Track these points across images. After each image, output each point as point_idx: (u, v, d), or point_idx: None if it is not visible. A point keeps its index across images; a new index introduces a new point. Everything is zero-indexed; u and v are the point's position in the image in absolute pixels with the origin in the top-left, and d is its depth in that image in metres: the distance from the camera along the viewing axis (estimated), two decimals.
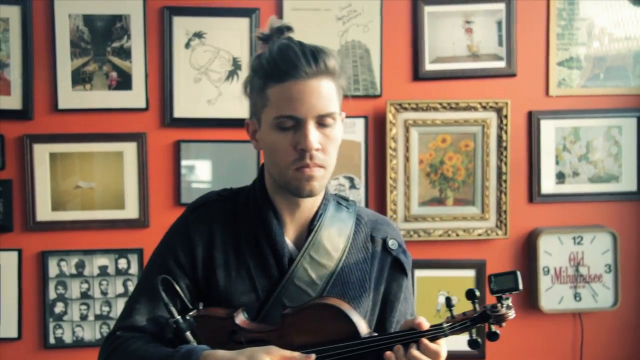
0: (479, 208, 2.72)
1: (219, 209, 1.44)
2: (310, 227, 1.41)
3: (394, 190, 2.68)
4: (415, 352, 1.23)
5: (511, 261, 2.75)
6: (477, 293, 1.25)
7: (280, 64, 1.29)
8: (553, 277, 2.72)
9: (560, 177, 2.75)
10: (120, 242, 2.65)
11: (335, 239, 1.41)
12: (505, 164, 2.70)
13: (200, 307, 1.35)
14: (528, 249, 2.75)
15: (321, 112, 1.30)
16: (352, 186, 2.69)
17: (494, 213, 2.72)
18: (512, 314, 1.25)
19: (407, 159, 2.69)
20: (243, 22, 2.66)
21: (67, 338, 2.63)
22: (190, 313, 1.33)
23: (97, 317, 2.64)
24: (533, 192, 2.74)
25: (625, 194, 2.77)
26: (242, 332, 1.30)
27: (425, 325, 1.25)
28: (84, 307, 2.63)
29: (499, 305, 1.24)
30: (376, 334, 1.29)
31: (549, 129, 2.74)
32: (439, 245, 2.73)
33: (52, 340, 2.62)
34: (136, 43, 2.63)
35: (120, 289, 2.64)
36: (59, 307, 2.63)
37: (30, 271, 2.63)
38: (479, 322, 1.25)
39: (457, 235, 2.71)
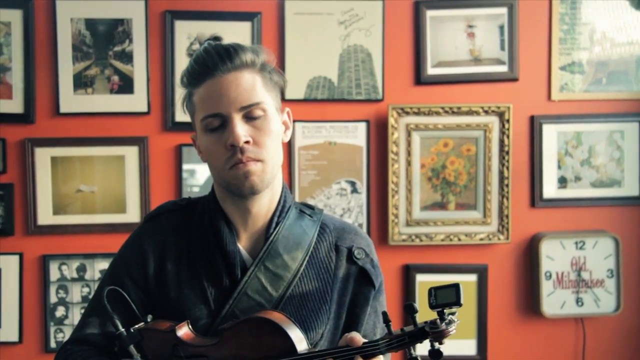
0: (480, 212, 2.71)
1: (173, 220, 1.41)
2: (266, 236, 1.36)
3: (395, 195, 2.68)
4: None
5: (513, 266, 2.75)
6: (416, 307, 1.17)
7: (197, 67, 1.30)
8: (555, 282, 2.72)
9: (563, 181, 2.75)
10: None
11: (294, 248, 1.36)
12: (507, 168, 2.69)
13: (149, 319, 1.31)
14: (530, 253, 2.75)
15: (244, 103, 1.28)
16: (354, 190, 2.69)
17: (496, 218, 2.71)
18: (453, 330, 1.15)
19: (409, 163, 2.69)
20: (245, 26, 2.65)
21: None
22: (135, 326, 1.28)
23: None
24: (535, 196, 2.74)
25: (627, 199, 2.76)
26: (183, 346, 1.27)
27: (359, 341, 1.18)
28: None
29: (438, 320, 1.15)
30: (315, 350, 1.24)
31: (551, 134, 2.73)
32: (441, 250, 2.73)
33: (53, 344, 2.62)
34: (138, 47, 2.63)
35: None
36: (60, 311, 2.63)
37: (31, 275, 2.63)
38: (418, 340, 1.16)
39: (459, 239, 2.70)
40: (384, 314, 1.22)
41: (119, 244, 2.60)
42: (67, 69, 2.61)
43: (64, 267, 2.63)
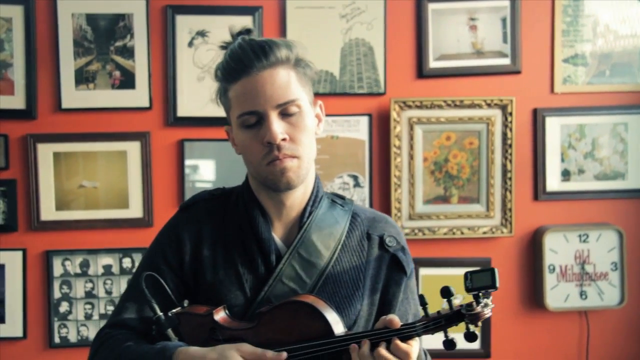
0: (483, 206, 2.71)
1: (209, 208, 1.44)
2: (300, 224, 1.40)
3: (398, 189, 2.67)
4: (382, 351, 1.20)
5: (516, 259, 2.74)
6: (453, 290, 1.22)
7: (232, 64, 1.32)
8: (559, 275, 2.71)
9: (566, 174, 2.74)
10: (124, 242, 2.65)
11: (327, 237, 1.40)
12: (510, 161, 2.68)
13: (185, 305, 1.35)
14: (533, 247, 2.74)
15: (280, 101, 1.30)
16: (356, 184, 2.69)
17: (499, 211, 2.71)
18: (488, 312, 1.20)
19: (411, 157, 2.68)
20: (246, 20, 2.65)
21: (72, 337, 2.63)
22: (173, 310, 1.33)
23: (102, 317, 2.64)
24: (538, 189, 2.73)
25: (631, 192, 2.75)
26: (220, 330, 1.30)
27: (397, 323, 1.22)
28: (88, 306, 2.64)
29: (474, 303, 1.19)
30: (351, 333, 1.27)
31: (554, 126, 2.72)
32: (444, 244, 2.72)
33: (57, 340, 2.63)
34: (139, 42, 2.63)
35: (124, 289, 2.64)
36: (63, 307, 2.63)
37: (34, 271, 2.64)
38: (454, 322, 1.21)
39: (462, 233, 2.70)
40: (421, 297, 1.25)
41: (122, 240, 2.63)
42: (68, 65, 2.61)
43: (67, 263, 2.63)
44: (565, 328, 2.75)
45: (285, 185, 1.33)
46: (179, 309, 1.34)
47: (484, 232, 2.70)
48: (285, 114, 1.31)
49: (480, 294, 1.20)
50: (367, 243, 1.43)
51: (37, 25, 2.61)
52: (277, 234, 1.40)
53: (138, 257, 2.64)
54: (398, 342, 1.20)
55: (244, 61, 1.30)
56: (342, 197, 1.49)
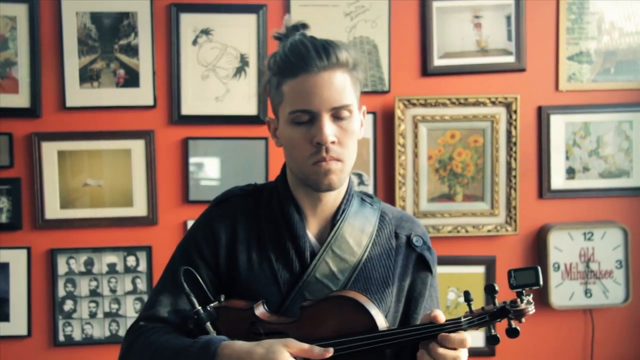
0: (488, 204, 2.70)
1: (242, 204, 1.45)
2: (333, 222, 1.42)
3: (402, 187, 2.67)
4: (440, 350, 1.22)
5: (521, 257, 2.74)
6: (497, 288, 1.24)
7: (293, 59, 1.31)
8: (563, 273, 2.71)
9: (571, 172, 2.73)
10: (128, 240, 2.65)
11: (358, 235, 1.42)
12: (515, 159, 2.68)
13: (222, 299, 1.36)
14: (538, 245, 2.74)
15: (335, 104, 1.31)
16: (361, 182, 2.68)
17: (504, 209, 2.70)
18: (532, 309, 1.24)
19: (415, 155, 2.68)
20: (250, 19, 2.65)
21: (77, 335, 2.63)
22: (212, 304, 1.34)
23: (106, 315, 2.64)
24: (543, 187, 2.73)
25: (636, 189, 2.75)
26: (261, 324, 1.31)
27: (442, 318, 1.24)
28: (93, 304, 2.64)
29: (518, 300, 1.23)
30: (395, 328, 1.29)
31: (558, 124, 2.72)
32: (448, 242, 2.72)
33: (61, 338, 2.63)
34: (143, 40, 2.62)
35: (129, 287, 2.64)
36: (68, 305, 2.63)
37: (39, 269, 2.64)
38: (498, 317, 1.24)
39: (467, 231, 2.69)
40: (466, 292, 1.27)
41: (126, 238, 2.64)
42: (72, 63, 2.61)
43: (71, 261, 2.63)
44: (570, 326, 2.75)
45: (326, 186, 1.34)
46: (217, 303, 1.35)
47: (489, 230, 2.70)
48: (336, 117, 1.32)
49: (524, 291, 1.23)
50: (395, 241, 1.45)
51: (41, 24, 2.61)
52: (311, 231, 1.42)
53: (142, 256, 2.64)
54: (449, 334, 1.22)
55: (305, 58, 1.30)
56: (370, 196, 1.51)
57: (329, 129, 1.30)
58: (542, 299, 2.72)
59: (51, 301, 2.63)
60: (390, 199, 2.69)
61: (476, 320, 1.25)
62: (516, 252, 2.74)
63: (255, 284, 1.38)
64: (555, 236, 2.69)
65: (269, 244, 1.40)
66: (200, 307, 1.33)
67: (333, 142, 1.31)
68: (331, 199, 1.41)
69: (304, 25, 1.40)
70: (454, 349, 1.22)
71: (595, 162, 2.74)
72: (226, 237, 1.41)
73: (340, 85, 1.32)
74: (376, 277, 1.40)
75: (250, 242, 1.41)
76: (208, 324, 1.32)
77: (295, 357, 1.20)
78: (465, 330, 1.24)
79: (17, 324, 2.62)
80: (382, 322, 1.28)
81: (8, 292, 2.62)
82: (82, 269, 2.64)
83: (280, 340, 1.22)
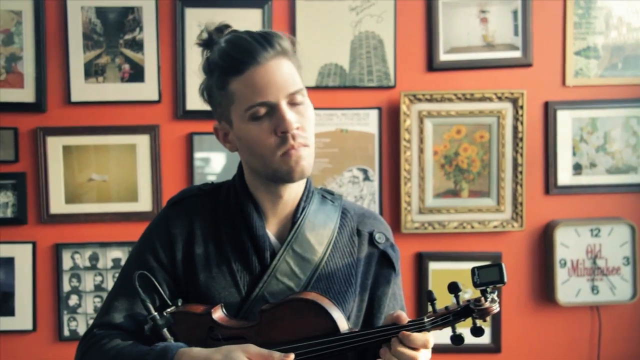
0: (494, 200, 2.69)
1: (199, 204, 1.41)
2: (294, 220, 1.38)
3: (408, 182, 2.66)
4: (400, 348, 1.19)
5: (527, 254, 2.72)
6: (460, 286, 1.21)
7: (236, 55, 1.28)
8: (570, 270, 2.69)
9: (577, 168, 2.72)
10: (133, 235, 2.61)
11: (320, 233, 1.38)
12: (521, 155, 2.66)
13: (179, 304, 1.31)
14: (544, 241, 2.72)
15: (290, 90, 1.28)
16: (366, 178, 2.67)
17: (510, 205, 2.69)
18: (496, 307, 1.19)
19: (421, 150, 2.66)
20: (256, 14, 2.64)
21: (82, 330, 2.63)
22: (168, 310, 1.30)
23: None
24: (549, 183, 2.71)
25: None
26: (220, 329, 1.27)
27: (404, 319, 1.22)
28: (97, 299, 2.64)
29: (482, 299, 1.19)
30: (357, 330, 1.25)
31: (565, 120, 2.70)
32: (454, 238, 2.70)
33: (66, 333, 2.63)
34: (148, 35, 2.62)
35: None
36: (73, 300, 2.64)
37: (44, 264, 2.64)
38: (462, 317, 1.20)
39: (472, 227, 2.68)
40: (429, 292, 1.24)
41: (131, 233, 2.63)
42: (78, 58, 2.61)
43: (76, 256, 2.63)
44: (576, 323, 2.73)
45: (299, 174, 1.30)
46: (174, 308, 1.30)
47: (495, 227, 2.68)
48: (293, 103, 1.29)
49: (488, 289, 1.19)
50: (357, 239, 1.42)
51: (46, 19, 2.61)
52: (271, 230, 1.38)
53: None
54: (412, 333, 1.19)
55: (251, 51, 1.26)
56: (331, 193, 1.47)
57: (291, 115, 1.27)
58: (549, 295, 2.70)
59: (56, 296, 2.64)
60: (396, 194, 2.68)
61: (440, 320, 1.21)
62: (522, 249, 2.72)
63: (214, 286, 1.33)
64: (562, 232, 2.67)
65: (227, 244, 1.36)
66: (156, 313, 1.28)
67: (298, 128, 1.28)
68: (292, 196, 1.38)
69: (227, 26, 1.37)
70: (415, 348, 1.19)
71: (602, 157, 2.72)
72: (183, 239, 1.37)
73: (290, 70, 1.29)
74: (338, 276, 1.37)
75: (208, 244, 1.36)
76: (165, 330, 1.28)
77: None
78: (428, 330, 1.21)
79: (22, 318, 2.62)
80: (343, 325, 1.25)
81: (13, 287, 2.62)
82: (87, 263, 2.64)
83: (239, 346, 1.18)
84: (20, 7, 2.60)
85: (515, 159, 2.67)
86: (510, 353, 2.71)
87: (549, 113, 2.69)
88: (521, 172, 2.67)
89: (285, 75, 1.28)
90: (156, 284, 1.31)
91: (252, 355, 1.17)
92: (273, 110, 1.27)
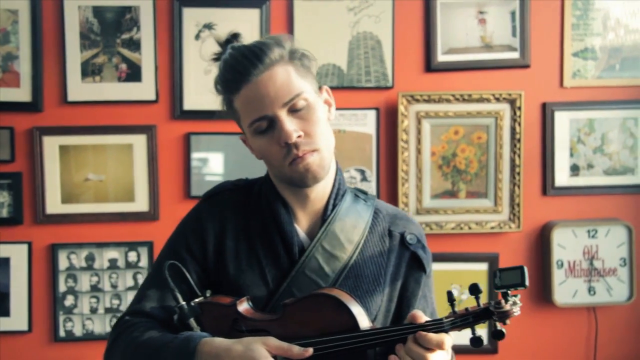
0: (491, 201, 2.69)
1: (232, 199, 1.44)
2: (324, 217, 1.40)
3: (405, 183, 2.66)
4: (413, 346, 1.19)
5: (524, 255, 2.72)
6: (481, 288, 1.20)
7: (229, 75, 1.32)
8: (567, 271, 2.69)
9: (575, 169, 2.72)
10: (130, 235, 2.64)
11: (350, 231, 1.39)
12: (519, 156, 2.66)
13: (208, 295, 1.35)
14: (541, 242, 2.72)
15: (284, 99, 1.29)
16: (364, 179, 2.67)
17: (507, 206, 2.69)
18: (517, 311, 1.18)
19: (419, 151, 2.66)
20: (253, 13, 2.63)
21: (77, 331, 2.62)
22: (196, 300, 1.33)
23: (107, 310, 2.63)
24: (547, 184, 2.71)
25: None
26: (244, 321, 1.29)
27: (422, 318, 1.22)
28: (94, 300, 2.63)
29: (502, 301, 1.18)
30: (379, 328, 1.27)
31: (563, 121, 2.70)
32: (451, 239, 2.70)
33: (62, 333, 2.62)
34: (146, 35, 2.61)
35: (130, 282, 2.63)
36: (69, 300, 2.62)
37: (40, 264, 2.63)
38: (482, 319, 1.20)
39: (470, 228, 2.68)
40: (449, 293, 1.24)
41: (127, 233, 2.62)
42: (74, 57, 2.60)
43: (72, 256, 2.62)
44: (573, 324, 2.74)
45: (312, 180, 1.33)
46: (201, 298, 1.34)
47: (492, 227, 2.68)
48: (294, 110, 1.30)
49: (509, 292, 1.18)
50: (388, 239, 1.43)
51: (43, 18, 2.60)
52: (301, 227, 1.40)
53: (144, 251, 2.63)
54: (427, 333, 1.19)
55: (239, 70, 1.30)
56: (364, 192, 1.48)
57: (290, 125, 1.29)
58: (546, 296, 2.70)
59: (52, 296, 2.62)
60: (393, 195, 2.67)
61: (459, 321, 1.21)
62: (519, 250, 2.72)
63: (243, 279, 1.36)
64: (559, 233, 2.67)
65: (257, 239, 1.38)
66: (184, 303, 1.31)
67: (300, 137, 1.29)
68: (319, 194, 1.40)
69: (235, 35, 1.40)
70: (430, 349, 1.19)
71: (599, 159, 2.72)
72: (214, 232, 1.40)
73: (284, 79, 1.30)
74: (367, 275, 1.37)
75: (239, 238, 1.39)
76: (192, 319, 1.31)
77: (274, 356, 1.19)
78: (446, 331, 1.20)
79: (17, 319, 2.61)
80: (364, 322, 1.25)
81: (9, 287, 2.61)
82: (83, 264, 2.63)
83: (260, 338, 1.20)
84: (17, 5, 2.59)
85: (512, 160, 2.67)
86: (507, 354, 2.71)
87: (546, 114, 2.69)
88: (519, 173, 2.67)
89: (277, 85, 1.29)
90: (186, 274, 1.35)
91: (272, 348, 1.19)
92: (273, 122, 1.30)
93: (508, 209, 2.69)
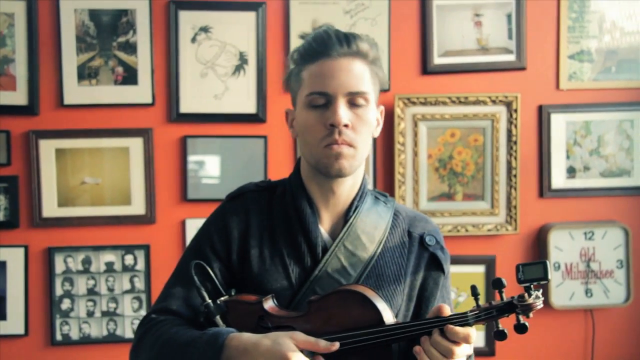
0: (488, 203, 2.69)
1: (256, 199, 1.47)
2: (346, 217, 1.43)
3: (402, 186, 2.66)
4: (439, 339, 1.21)
5: (521, 257, 2.72)
6: (505, 282, 1.23)
7: (315, 45, 1.37)
8: (564, 273, 2.69)
9: (571, 171, 2.72)
10: (126, 239, 2.64)
11: (372, 231, 1.42)
12: (515, 158, 2.66)
13: (233, 293, 1.38)
14: (538, 244, 2.72)
15: (351, 89, 1.34)
16: None
17: (504, 208, 2.69)
18: (539, 304, 1.22)
19: (415, 153, 2.66)
20: (249, 16, 2.63)
21: (74, 335, 2.62)
22: (222, 298, 1.35)
23: (104, 314, 2.62)
24: (543, 187, 2.71)
25: (637, 189, 2.73)
26: (270, 318, 1.32)
27: (448, 311, 1.25)
28: (90, 303, 2.62)
29: (526, 295, 1.22)
30: (404, 322, 1.29)
31: (559, 123, 2.70)
32: (448, 241, 2.65)
33: (58, 337, 2.61)
34: (142, 38, 2.61)
35: (126, 286, 2.63)
36: (65, 304, 2.62)
37: (36, 268, 2.62)
38: (506, 312, 1.23)
39: (467, 230, 2.68)
40: (473, 287, 1.26)
41: (124, 236, 2.62)
42: (70, 60, 2.60)
43: (69, 260, 2.62)
44: (570, 326, 2.74)
45: (336, 171, 1.35)
46: (227, 296, 1.36)
47: (489, 230, 2.68)
48: (352, 104, 1.35)
49: (532, 285, 1.21)
50: (407, 240, 1.45)
51: (39, 21, 2.59)
52: (324, 226, 1.43)
53: (140, 254, 2.62)
54: (455, 326, 1.21)
55: (326, 44, 1.35)
56: (384, 195, 1.52)
57: (344, 112, 1.33)
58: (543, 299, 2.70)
59: (48, 300, 2.62)
60: None
61: (483, 314, 1.23)
62: (516, 252, 2.72)
63: (267, 278, 1.39)
64: (556, 236, 2.67)
65: (281, 238, 1.41)
66: (210, 301, 1.34)
67: (346, 126, 1.33)
68: (344, 193, 1.42)
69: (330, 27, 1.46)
70: (456, 342, 1.21)
71: (596, 161, 2.73)
72: (239, 232, 1.42)
73: (359, 73, 1.35)
74: (388, 275, 1.40)
75: (263, 237, 1.42)
76: (218, 317, 1.33)
77: (301, 350, 1.21)
78: (471, 325, 1.23)
79: (14, 322, 2.60)
80: (389, 317, 1.28)
81: (5, 291, 2.60)
82: (80, 267, 2.62)
83: (287, 332, 1.23)
84: (13, 9, 2.58)
85: (509, 162, 2.67)
86: (504, 356, 2.71)
87: (542, 116, 2.70)
88: (515, 176, 2.67)
89: (352, 74, 1.34)
90: (211, 273, 1.38)
91: (299, 342, 1.21)
92: (330, 102, 1.34)
93: (505, 212, 2.69)
